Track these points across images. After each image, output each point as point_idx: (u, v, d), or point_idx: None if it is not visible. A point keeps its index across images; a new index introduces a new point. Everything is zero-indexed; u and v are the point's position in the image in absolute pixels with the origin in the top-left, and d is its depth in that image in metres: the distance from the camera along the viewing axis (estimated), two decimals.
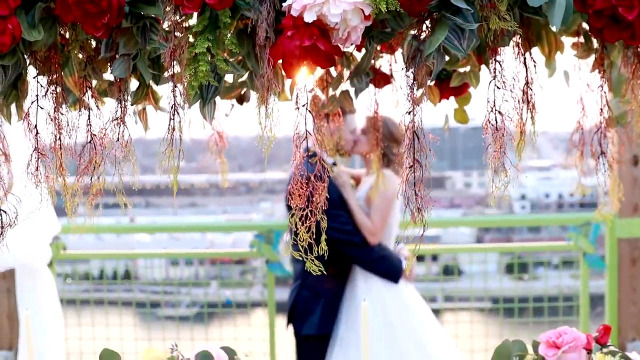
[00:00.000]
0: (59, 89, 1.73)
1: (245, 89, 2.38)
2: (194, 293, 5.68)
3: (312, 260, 1.61)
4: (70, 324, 4.87)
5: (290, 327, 4.20)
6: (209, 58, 1.55)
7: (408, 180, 1.52)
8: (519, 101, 1.61)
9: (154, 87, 2.00)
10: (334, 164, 4.08)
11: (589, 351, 2.05)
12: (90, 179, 1.74)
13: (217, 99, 2.11)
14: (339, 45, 1.53)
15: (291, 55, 1.48)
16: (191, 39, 1.60)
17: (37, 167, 1.70)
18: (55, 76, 1.73)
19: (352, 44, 1.52)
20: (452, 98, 2.35)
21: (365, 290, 3.97)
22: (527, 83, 1.66)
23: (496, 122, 1.58)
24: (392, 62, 2.33)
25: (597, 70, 2.04)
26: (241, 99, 2.42)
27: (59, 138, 1.72)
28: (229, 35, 1.58)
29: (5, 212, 1.60)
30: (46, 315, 4.29)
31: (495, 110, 1.57)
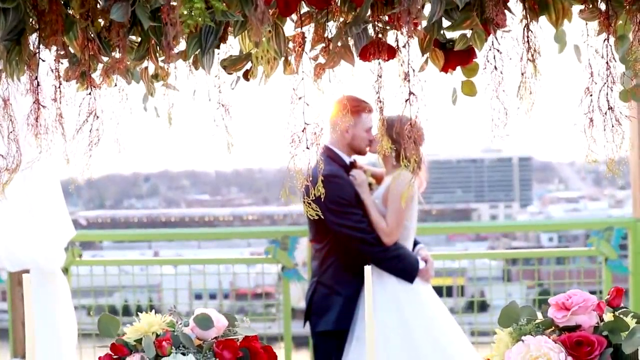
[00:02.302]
0: (59, 41, 1.74)
1: (251, 65, 2.39)
2: None
3: (309, 204, 1.59)
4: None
5: (307, 326, 4.14)
6: None
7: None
8: (517, 40, 1.59)
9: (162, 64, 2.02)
10: (353, 163, 4.06)
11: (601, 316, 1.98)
12: (90, 131, 1.75)
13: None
14: None
15: None
16: None
17: (36, 118, 1.71)
18: (55, 29, 1.74)
19: None
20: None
21: (380, 289, 3.92)
22: (527, 25, 1.64)
23: (495, 61, 1.55)
24: (398, 37, 2.31)
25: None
26: (247, 75, 2.44)
27: (59, 88, 1.73)
28: None
29: (3, 156, 1.61)
30: (60, 321, 4.28)
31: (494, 48, 1.55)
